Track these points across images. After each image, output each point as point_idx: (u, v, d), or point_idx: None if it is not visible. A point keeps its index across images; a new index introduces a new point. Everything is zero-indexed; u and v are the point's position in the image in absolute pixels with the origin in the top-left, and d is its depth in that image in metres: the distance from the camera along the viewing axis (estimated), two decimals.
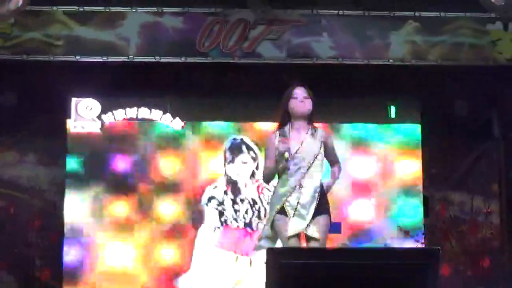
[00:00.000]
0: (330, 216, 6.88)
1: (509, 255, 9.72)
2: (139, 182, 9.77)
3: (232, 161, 9.77)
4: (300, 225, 6.75)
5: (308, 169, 6.81)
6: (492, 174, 9.90)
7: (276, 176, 6.88)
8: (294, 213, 6.76)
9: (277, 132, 6.90)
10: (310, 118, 6.90)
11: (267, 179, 7.08)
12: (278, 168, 6.77)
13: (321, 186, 6.87)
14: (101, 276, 9.58)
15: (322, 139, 6.89)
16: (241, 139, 9.78)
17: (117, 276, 9.60)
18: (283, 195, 6.81)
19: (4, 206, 9.48)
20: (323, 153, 6.90)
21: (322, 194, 6.87)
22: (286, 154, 6.70)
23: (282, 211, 6.78)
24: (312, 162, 6.84)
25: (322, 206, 6.82)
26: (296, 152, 6.80)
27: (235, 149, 9.79)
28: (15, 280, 9.33)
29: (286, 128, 6.87)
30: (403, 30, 9.20)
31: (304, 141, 6.83)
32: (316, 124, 6.98)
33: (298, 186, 6.79)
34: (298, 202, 6.78)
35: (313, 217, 6.76)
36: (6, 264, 9.32)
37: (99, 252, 9.63)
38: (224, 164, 9.81)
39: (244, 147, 9.73)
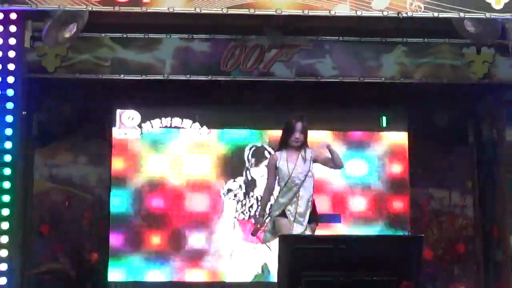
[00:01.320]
0: (317, 223, 7.39)
1: (481, 241, 9.71)
2: (172, 180, 9.78)
3: (256, 165, 9.78)
4: (299, 229, 7.16)
5: (302, 183, 7.24)
6: (467, 174, 9.92)
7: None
8: (294, 220, 7.17)
9: (277, 155, 7.36)
10: (302, 146, 7.31)
11: (265, 200, 7.51)
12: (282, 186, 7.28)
13: (312, 197, 7.27)
14: (142, 257, 9.60)
15: (311, 158, 7.32)
16: (262, 146, 9.80)
17: (153, 257, 9.63)
18: (283, 204, 7.25)
19: (61, 200, 9.55)
20: (312, 170, 7.31)
21: (313, 205, 7.30)
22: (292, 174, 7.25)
23: (283, 215, 7.21)
24: (304, 179, 7.26)
25: (312, 215, 7.25)
26: (292, 172, 7.24)
27: (259, 155, 9.79)
28: (70, 261, 9.36)
29: (283, 154, 7.31)
30: (393, 53, 9.17)
31: (297, 163, 7.26)
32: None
33: (295, 198, 7.20)
34: (296, 212, 7.19)
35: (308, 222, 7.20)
36: (63, 248, 9.35)
37: (139, 238, 9.64)
38: (248, 168, 9.82)
39: (266, 153, 9.72)
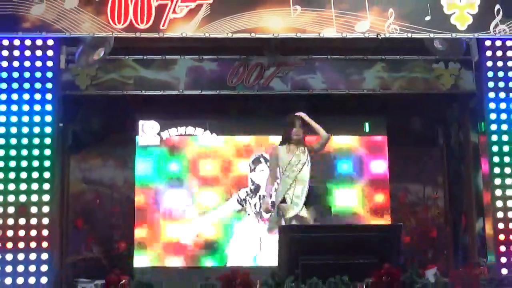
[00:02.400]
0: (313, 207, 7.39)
1: (451, 228, 9.72)
2: (187, 179, 9.78)
3: (254, 170, 9.79)
4: (296, 209, 7.23)
5: (299, 172, 7.34)
6: (438, 171, 9.92)
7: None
8: (291, 201, 7.24)
9: (279, 148, 7.46)
10: (301, 140, 7.46)
11: (269, 186, 7.59)
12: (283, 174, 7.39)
13: (309, 186, 7.33)
14: (162, 246, 9.61)
15: (309, 151, 7.45)
16: (261, 155, 9.79)
17: (173, 247, 9.64)
18: (283, 191, 7.34)
19: (93, 198, 9.56)
20: (309, 161, 7.38)
21: (309, 191, 7.33)
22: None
23: (284, 201, 7.30)
24: (301, 168, 7.37)
25: (308, 199, 7.31)
26: (289, 162, 7.35)
27: (256, 161, 9.80)
28: (101, 250, 9.34)
29: (284, 147, 7.43)
30: (374, 69, 9.18)
31: (295, 155, 7.38)
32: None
33: (292, 183, 7.29)
34: (293, 194, 7.28)
35: (304, 205, 7.26)
36: (95, 238, 9.37)
37: (161, 229, 9.63)
38: (250, 172, 9.82)
39: (262, 159, 9.74)
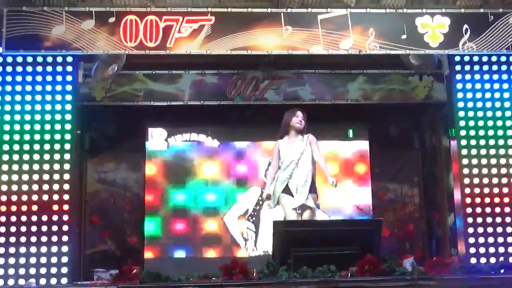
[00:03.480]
0: (317, 194, 7.05)
1: (425, 223, 9.72)
2: (191, 179, 9.76)
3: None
4: (302, 199, 6.85)
5: (298, 161, 6.93)
6: (414, 172, 9.87)
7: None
8: (296, 191, 6.85)
9: (280, 141, 7.08)
10: (302, 132, 7.07)
11: (271, 176, 7.18)
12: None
13: (311, 172, 6.91)
14: (169, 240, 9.59)
15: (309, 141, 7.04)
16: None
17: (179, 240, 9.61)
18: (284, 180, 6.93)
19: (107, 197, 9.48)
20: (309, 149, 6.97)
21: (312, 177, 6.95)
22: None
23: (287, 191, 6.89)
24: (300, 157, 6.96)
25: (312, 186, 6.91)
26: (289, 151, 6.97)
27: None
28: (114, 243, 9.30)
29: (285, 139, 7.05)
30: (357, 81, 9.17)
31: (294, 144, 6.99)
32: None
33: (294, 173, 6.87)
34: (297, 184, 6.86)
35: (309, 192, 6.85)
36: (110, 233, 9.35)
37: (167, 224, 9.61)
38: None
39: None
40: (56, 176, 7.46)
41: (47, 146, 7.52)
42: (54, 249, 7.32)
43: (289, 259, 6.09)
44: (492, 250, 7.51)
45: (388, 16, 7.66)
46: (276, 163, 7.13)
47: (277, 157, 7.12)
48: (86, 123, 8.90)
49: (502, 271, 6.63)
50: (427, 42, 7.64)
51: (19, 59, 7.62)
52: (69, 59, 7.70)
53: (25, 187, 7.41)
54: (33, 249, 7.30)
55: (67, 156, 7.51)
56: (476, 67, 7.97)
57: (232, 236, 9.66)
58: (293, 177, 6.92)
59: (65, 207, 7.42)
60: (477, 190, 7.70)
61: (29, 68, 7.64)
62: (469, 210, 7.67)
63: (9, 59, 7.63)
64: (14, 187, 7.41)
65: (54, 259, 7.30)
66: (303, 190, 6.88)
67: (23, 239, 7.31)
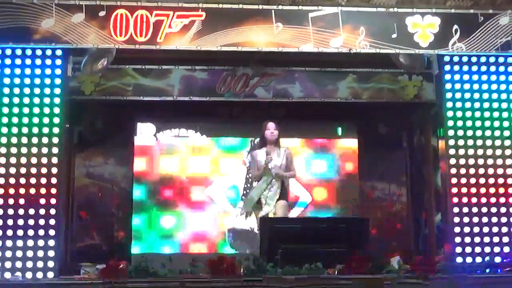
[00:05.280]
0: (287, 200, 7.47)
1: (412, 221, 9.75)
2: (179, 176, 9.75)
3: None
4: (268, 209, 7.31)
5: (274, 175, 7.40)
6: (402, 170, 9.93)
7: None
8: (265, 203, 7.31)
9: (258, 151, 7.59)
10: (277, 142, 7.54)
11: (256, 179, 7.55)
12: (261, 173, 7.41)
13: (283, 183, 7.38)
14: (155, 235, 9.58)
15: (285, 155, 7.50)
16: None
17: (165, 236, 9.60)
18: (261, 190, 7.37)
19: (95, 191, 9.49)
20: (284, 164, 7.46)
21: (284, 188, 7.39)
22: (269, 165, 7.40)
23: (259, 203, 7.36)
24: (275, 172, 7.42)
25: (282, 195, 7.38)
26: (267, 163, 7.43)
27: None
28: (102, 238, 9.32)
29: (263, 149, 7.52)
30: (346, 80, 9.18)
31: (272, 157, 7.46)
32: (283, 145, 7.71)
33: (270, 185, 7.35)
34: (267, 196, 7.34)
35: (276, 201, 7.32)
36: (97, 228, 9.32)
37: (154, 219, 9.61)
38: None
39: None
40: (44, 170, 7.39)
41: (35, 140, 7.44)
42: (41, 242, 7.24)
43: (277, 256, 6.09)
44: (478, 249, 7.52)
45: (378, 15, 7.65)
46: (254, 171, 7.54)
47: (255, 166, 7.53)
48: (75, 117, 8.85)
49: (487, 270, 6.66)
50: (417, 41, 7.64)
51: (8, 52, 7.53)
52: (59, 52, 7.62)
53: (12, 180, 7.34)
54: (19, 243, 7.22)
55: (55, 150, 7.43)
56: (465, 68, 7.96)
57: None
58: (267, 189, 7.33)
59: (53, 201, 7.34)
60: (464, 190, 7.70)
61: (18, 61, 7.56)
62: (456, 209, 7.68)
63: None
64: (1, 180, 7.33)
65: (40, 253, 7.23)
66: (271, 202, 7.28)
67: (9, 232, 7.23)
